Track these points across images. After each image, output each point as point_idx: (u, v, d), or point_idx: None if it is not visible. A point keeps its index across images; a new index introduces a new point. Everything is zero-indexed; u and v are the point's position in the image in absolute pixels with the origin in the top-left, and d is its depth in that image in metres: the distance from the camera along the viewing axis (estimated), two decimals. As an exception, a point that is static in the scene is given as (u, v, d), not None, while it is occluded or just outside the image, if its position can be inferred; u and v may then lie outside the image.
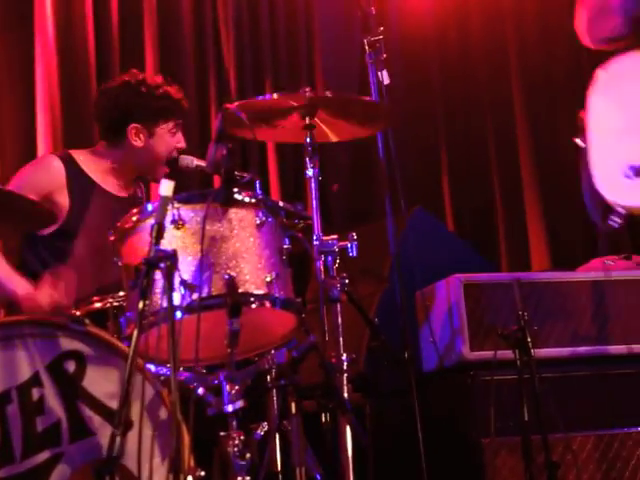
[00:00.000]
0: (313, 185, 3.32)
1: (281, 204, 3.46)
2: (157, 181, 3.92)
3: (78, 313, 3.15)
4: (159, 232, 2.59)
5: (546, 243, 5.78)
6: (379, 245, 4.01)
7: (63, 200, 3.69)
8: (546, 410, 3.36)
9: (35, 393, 2.66)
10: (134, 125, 3.76)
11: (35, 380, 2.66)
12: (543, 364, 3.54)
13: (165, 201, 2.64)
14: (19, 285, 3.39)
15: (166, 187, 2.66)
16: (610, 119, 2.50)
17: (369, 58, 3.64)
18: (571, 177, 5.93)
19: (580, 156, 2.58)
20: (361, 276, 4.26)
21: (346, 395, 3.20)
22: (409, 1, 5.96)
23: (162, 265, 2.55)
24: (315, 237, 3.27)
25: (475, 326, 3.74)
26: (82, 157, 3.83)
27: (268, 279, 2.78)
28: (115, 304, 3.13)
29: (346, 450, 3.14)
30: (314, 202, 3.31)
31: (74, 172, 3.75)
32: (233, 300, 2.67)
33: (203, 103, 5.29)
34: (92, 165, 3.81)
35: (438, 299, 3.87)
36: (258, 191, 3.15)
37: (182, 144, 3.83)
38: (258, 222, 2.83)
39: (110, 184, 3.83)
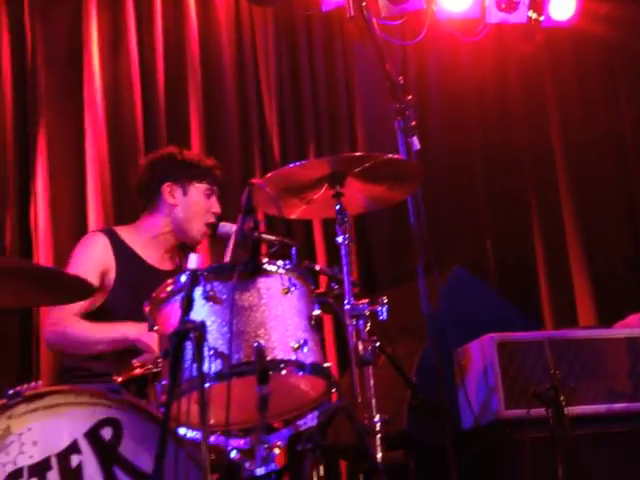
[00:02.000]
0: (343, 251, 3.40)
1: (317, 267, 3.59)
2: (198, 244, 4.09)
3: (120, 379, 3.30)
4: (188, 304, 2.74)
5: (592, 298, 5.80)
6: (420, 304, 4.09)
7: (111, 274, 3.89)
8: (581, 467, 3.39)
9: (74, 460, 2.76)
10: (168, 183, 4.00)
11: (74, 447, 2.77)
12: (579, 421, 3.58)
13: (193, 273, 2.78)
14: (125, 329, 3.69)
15: (194, 260, 2.81)
16: None
17: (398, 126, 3.73)
18: (615, 230, 6.03)
19: None
20: (402, 335, 4.34)
21: (380, 455, 3.25)
22: (447, 63, 6.06)
23: (191, 335, 2.68)
24: (346, 301, 3.35)
25: (510, 384, 3.79)
26: (125, 232, 4.03)
27: (296, 345, 2.88)
28: (154, 370, 3.26)
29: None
30: (344, 268, 3.39)
31: (119, 247, 3.95)
32: (261, 367, 2.77)
33: (247, 171, 5.42)
34: (134, 239, 3.99)
35: (473, 358, 3.93)
36: (293, 257, 3.30)
37: (217, 209, 4.02)
38: (285, 290, 2.94)
39: (153, 257, 4.00)
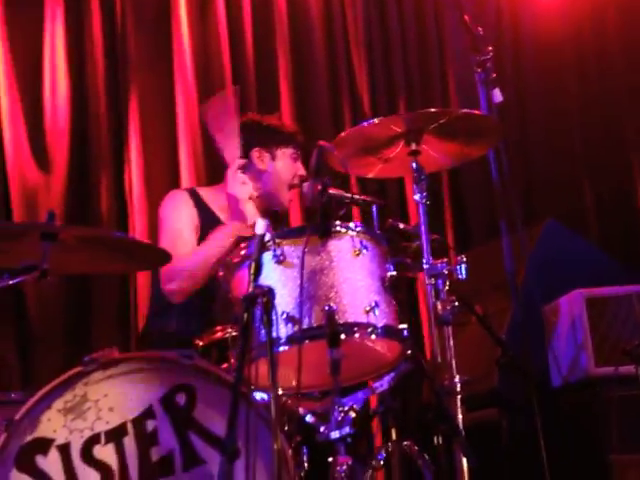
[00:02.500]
0: (421, 210, 3.34)
1: (401, 226, 3.55)
2: (285, 210, 4.09)
3: (201, 344, 3.34)
4: (257, 269, 2.73)
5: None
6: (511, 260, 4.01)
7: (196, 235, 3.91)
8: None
9: (149, 425, 2.81)
10: (257, 149, 4.01)
11: (149, 413, 2.82)
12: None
13: (261, 239, 2.78)
14: (219, 230, 3.73)
15: (261, 226, 2.80)
16: None
17: (479, 78, 3.64)
18: None
19: None
20: (493, 292, 4.27)
21: (460, 416, 3.21)
22: (542, 6, 5.89)
23: (260, 300, 2.68)
24: (425, 260, 3.30)
25: (599, 341, 3.70)
26: (206, 193, 4.06)
27: (367, 308, 2.85)
28: (234, 334, 3.28)
29: (462, 472, 3.16)
30: (422, 226, 3.32)
31: (200, 207, 3.98)
32: (332, 330, 2.76)
33: (338, 126, 5.37)
34: (216, 200, 3.99)
35: (562, 314, 3.85)
36: (373, 216, 3.27)
37: (303, 172, 4.01)
38: (356, 252, 2.91)
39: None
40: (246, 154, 4.01)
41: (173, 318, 3.86)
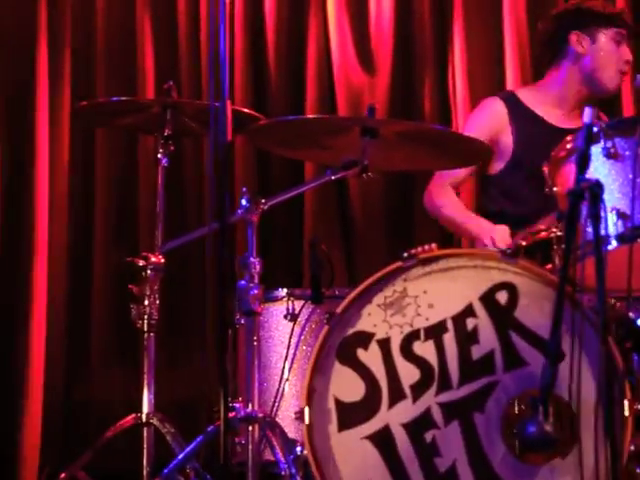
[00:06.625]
0: None
1: None
2: (610, 94, 3.97)
3: (524, 243, 3.21)
4: (583, 161, 2.55)
5: None
6: None
7: (507, 139, 3.86)
8: None
9: (469, 323, 2.74)
10: (575, 32, 3.88)
11: (469, 311, 2.74)
12: None
13: (589, 129, 2.58)
14: (474, 225, 3.73)
15: (589, 114, 2.60)
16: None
17: None
18: None
19: None
20: None
21: None
22: None
23: (587, 195, 2.51)
24: None
25: None
26: (526, 94, 4.00)
27: None
28: (559, 234, 3.13)
29: None
30: None
31: (517, 110, 3.92)
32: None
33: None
34: (536, 100, 3.95)
35: None
36: None
37: (629, 56, 3.85)
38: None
39: (557, 116, 3.92)
40: (565, 38, 3.92)
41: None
